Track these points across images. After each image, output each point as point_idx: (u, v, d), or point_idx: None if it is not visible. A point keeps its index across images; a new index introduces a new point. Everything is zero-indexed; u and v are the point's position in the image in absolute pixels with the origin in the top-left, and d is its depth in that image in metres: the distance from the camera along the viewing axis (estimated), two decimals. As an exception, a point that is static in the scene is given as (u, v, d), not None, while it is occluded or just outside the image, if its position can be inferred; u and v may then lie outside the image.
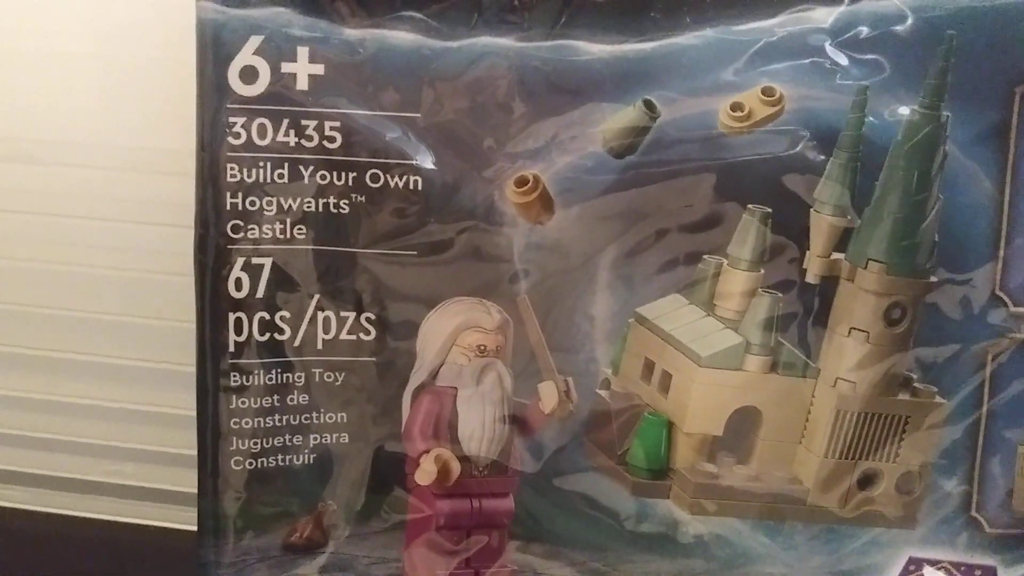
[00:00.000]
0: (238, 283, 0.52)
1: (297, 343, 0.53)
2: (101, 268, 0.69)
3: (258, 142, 0.51)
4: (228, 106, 0.50)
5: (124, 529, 0.72)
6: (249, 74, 0.50)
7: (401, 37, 0.51)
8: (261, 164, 0.51)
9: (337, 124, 0.51)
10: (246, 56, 0.50)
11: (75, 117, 0.66)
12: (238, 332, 0.52)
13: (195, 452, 0.53)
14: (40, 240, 0.69)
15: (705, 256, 0.53)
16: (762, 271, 0.52)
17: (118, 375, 0.71)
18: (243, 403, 0.52)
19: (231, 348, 0.52)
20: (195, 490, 0.53)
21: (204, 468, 0.53)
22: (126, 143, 0.66)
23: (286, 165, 0.51)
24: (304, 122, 0.51)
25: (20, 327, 0.71)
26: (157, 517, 0.72)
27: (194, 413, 0.53)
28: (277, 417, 0.53)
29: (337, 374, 0.53)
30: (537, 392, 0.52)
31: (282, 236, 0.52)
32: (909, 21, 0.50)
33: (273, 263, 0.52)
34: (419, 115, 0.51)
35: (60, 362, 0.71)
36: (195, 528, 0.54)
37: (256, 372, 0.52)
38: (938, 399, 0.53)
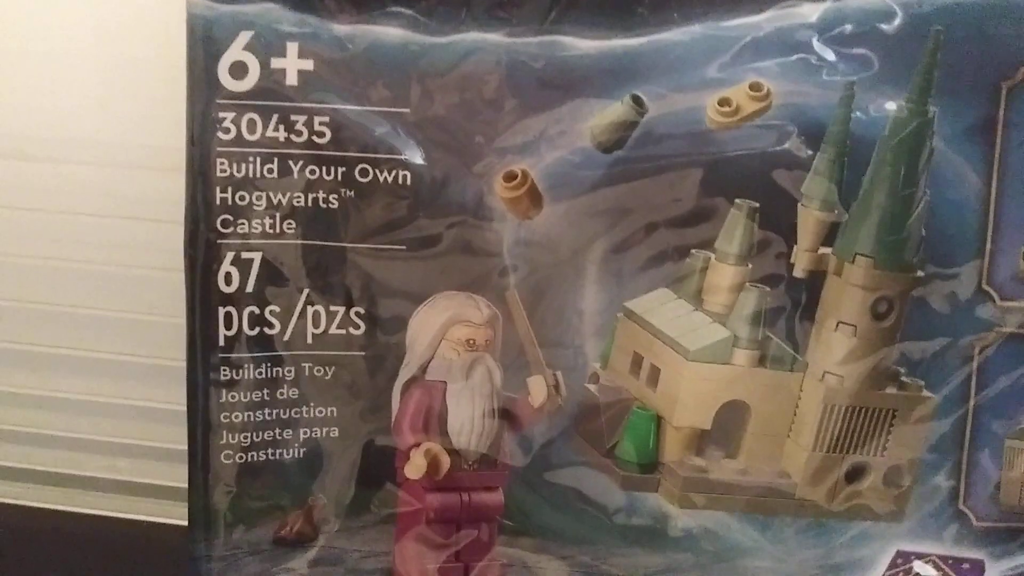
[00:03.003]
0: (228, 278, 0.52)
1: (287, 337, 0.53)
2: (91, 263, 0.69)
3: (248, 137, 0.51)
4: (218, 101, 0.51)
5: (116, 524, 0.72)
6: (239, 69, 0.50)
7: (390, 33, 0.51)
8: (251, 159, 0.51)
9: (326, 119, 0.51)
10: (236, 52, 0.50)
11: (65, 113, 0.66)
12: (228, 327, 0.52)
13: (186, 447, 0.53)
14: (30, 236, 0.69)
15: (693, 251, 0.53)
16: (750, 266, 0.52)
17: (109, 370, 0.71)
18: (233, 397, 0.53)
19: (221, 343, 0.52)
20: (186, 485, 0.53)
21: (195, 462, 0.53)
22: (116, 139, 0.66)
23: (276, 160, 0.51)
24: (293, 117, 0.51)
25: (10, 323, 0.71)
26: (149, 512, 0.73)
27: (185, 408, 0.53)
28: (267, 411, 0.53)
29: (327, 368, 0.53)
30: (526, 386, 0.52)
31: (272, 231, 0.52)
32: (896, 17, 0.50)
33: (263, 258, 0.52)
34: (408, 110, 0.51)
35: (50, 357, 0.71)
36: (186, 522, 0.54)
37: (246, 366, 0.53)
38: (925, 393, 0.53)
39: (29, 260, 0.70)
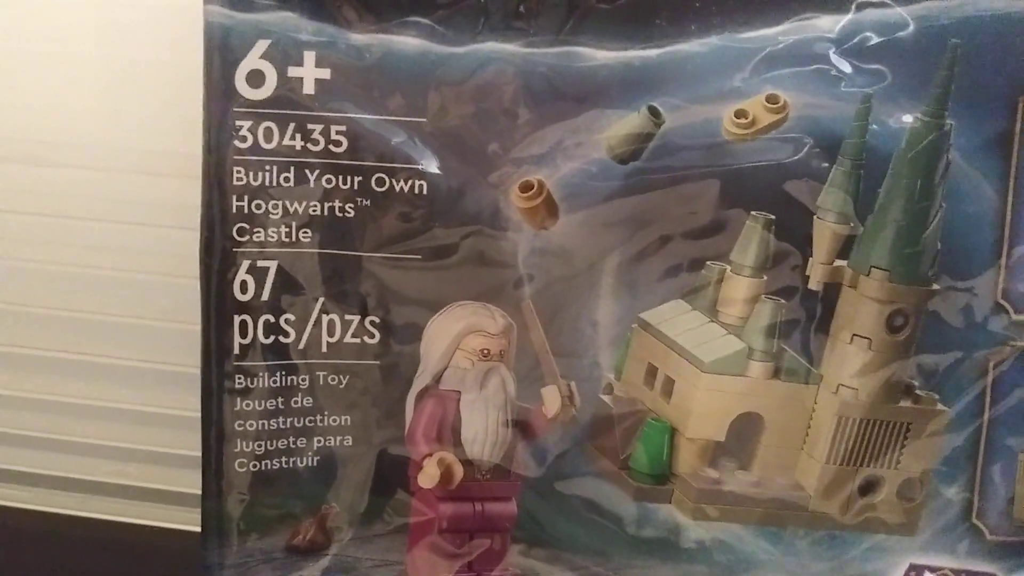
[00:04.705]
0: (243, 286, 0.52)
1: (302, 346, 0.53)
2: (107, 270, 0.69)
3: (264, 146, 0.51)
4: (235, 110, 0.51)
5: (128, 530, 0.72)
6: (256, 78, 0.51)
7: (407, 42, 0.51)
8: (267, 168, 0.51)
9: (343, 128, 0.51)
10: (253, 60, 0.50)
11: (81, 119, 0.67)
12: (243, 335, 0.52)
13: (199, 454, 0.53)
14: (46, 241, 0.69)
15: (708, 262, 0.53)
16: (765, 277, 0.52)
17: (123, 376, 0.71)
18: (247, 405, 0.53)
19: (236, 350, 0.52)
20: (199, 491, 0.54)
21: (208, 470, 0.53)
22: (132, 145, 0.66)
23: (292, 169, 0.51)
24: (310, 126, 0.51)
25: (26, 328, 0.71)
26: (161, 518, 0.73)
27: (198, 415, 0.53)
28: (281, 419, 0.53)
29: (341, 377, 0.53)
30: (540, 396, 0.52)
31: (287, 239, 0.52)
32: (913, 30, 0.50)
33: (278, 266, 0.52)
34: (425, 120, 0.51)
35: (65, 363, 0.71)
36: (199, 529, 0.54)
37: (260, 374, 0.53)
38: (940, 406, 0.53)
39: (42, 265, 0.70)
